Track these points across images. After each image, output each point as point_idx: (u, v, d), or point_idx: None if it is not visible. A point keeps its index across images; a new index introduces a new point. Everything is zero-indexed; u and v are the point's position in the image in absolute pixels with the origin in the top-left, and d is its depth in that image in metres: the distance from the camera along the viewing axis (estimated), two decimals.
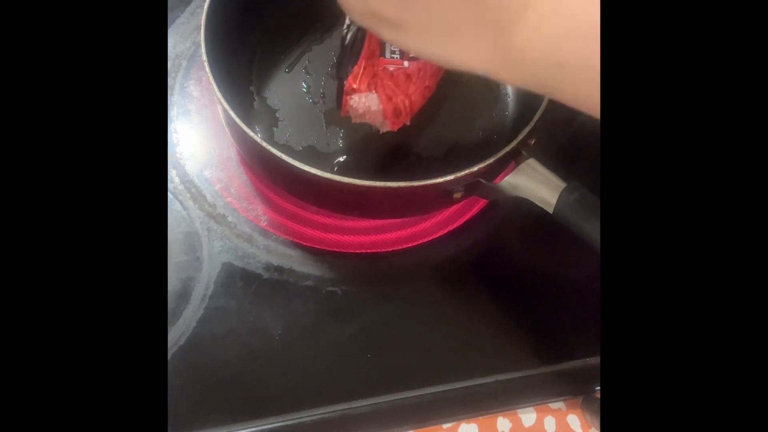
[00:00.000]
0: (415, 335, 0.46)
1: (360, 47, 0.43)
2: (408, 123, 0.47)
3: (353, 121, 0.48)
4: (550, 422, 0.45)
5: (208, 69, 0.44)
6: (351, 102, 0.46)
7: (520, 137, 0.43)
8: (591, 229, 0.39)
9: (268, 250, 0.48)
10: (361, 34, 0.44)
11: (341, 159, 0.50)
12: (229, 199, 0.50)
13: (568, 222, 0.41)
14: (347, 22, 0.45)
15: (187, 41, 0.58)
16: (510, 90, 0.55)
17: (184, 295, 0.46)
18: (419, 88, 0.46)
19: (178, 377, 0.42)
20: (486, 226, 0.51)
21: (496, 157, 0.42)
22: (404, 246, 0.49)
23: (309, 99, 0.53)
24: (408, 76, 0.45)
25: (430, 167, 0.50)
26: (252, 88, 0.53)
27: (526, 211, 0.49)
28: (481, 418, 0.44)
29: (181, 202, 0.49)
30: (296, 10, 0.56)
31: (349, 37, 0.44)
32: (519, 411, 0.45)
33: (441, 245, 0.50)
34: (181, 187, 0.50)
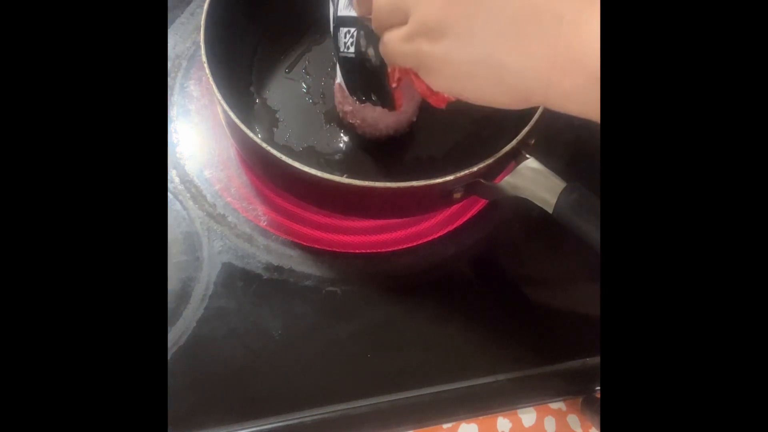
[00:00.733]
0: (415, 335, 0.46)
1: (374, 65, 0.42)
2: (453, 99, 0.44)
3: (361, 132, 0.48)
4: (550, 422, 0.45)
5: (207, 70, 0.44)
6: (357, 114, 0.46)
7: (520, 137, 0.43)
8: (591, 228, 0.39)
9: (268, 250, 0.48)
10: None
11: (341, 159, 0.51)
12: (229, 199, 0.50)
13: (568, 222, 0.41)
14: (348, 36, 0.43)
15: (187, 41, 0.58)
16: None
17: (184, 295, 0.46)
18: None
19: (178, 377, 0.42)
20: (486, 226, 0.51)
21: (496, 157, 0.42)
22: (404, 246, 0.49)
23: (309, 99, 0.53)
24: None
25: (430, 167, 0.50)
26: (252, 89, 0.54)
27: (525, 211, 0.49)
28: (481, 418, 0.44)
29: (181, 202, 0.49)
30: (296, 10, 0.56)
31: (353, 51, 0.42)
32: (519, 411, 0.45)
33: (441, 245, 0.50)
34: (181, 187, 0.50)
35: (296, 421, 0.42)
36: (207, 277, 0.46)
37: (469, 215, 0.51)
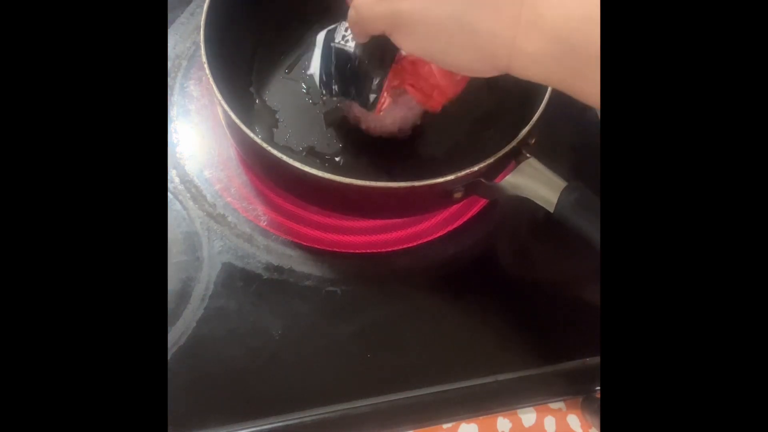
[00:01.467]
0: (415, 335, 0.46)
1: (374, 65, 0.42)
2: (451, 99, 0.44)
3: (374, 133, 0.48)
4: (550, 422, 0.45)
5: (207, 70, 0.44)
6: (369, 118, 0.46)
7: (520, 136, 0.43)
8: (592, 228, 0.39)
9: (268, 250, 0.48)
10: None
11: (342, 159, 0.50)
12: (229, 199, 0.50)
13: (569, 221, 0.41)
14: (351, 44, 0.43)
15: (187, 41, 0.58)
16: (510, 89, 0.55)
17: (184, 295, 0.46)
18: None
19: (178, 377, 0.42)
20: (486, 226, 0.51)
21: (497, 156, 0.42)
22: (404, 246, 0.49)
23: (309, 100, 0.53)
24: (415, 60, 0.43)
25: (431, 167, 0.50)
26: (252, 90, 0.53)
27: (525, 211, 0.49)
28: (481, 418, 0.44)
29: (181, 202, 0.49)
30: (295, 11, 0.56)
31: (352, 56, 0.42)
32: (519, 411, 0.45)
33: (441, 245, 0.50)
34: (181, 187, 0.50)
35: (296, 421, 0.42)
36: (207, 277, 0.46)
37: (469, 215, 0.51)
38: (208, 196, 0.50)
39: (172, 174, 0.51)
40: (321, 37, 0.44)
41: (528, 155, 0.44)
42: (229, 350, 0.44)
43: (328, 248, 0.49)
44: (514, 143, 0.43)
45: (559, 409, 0.45)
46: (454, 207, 0.51)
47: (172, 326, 0.44)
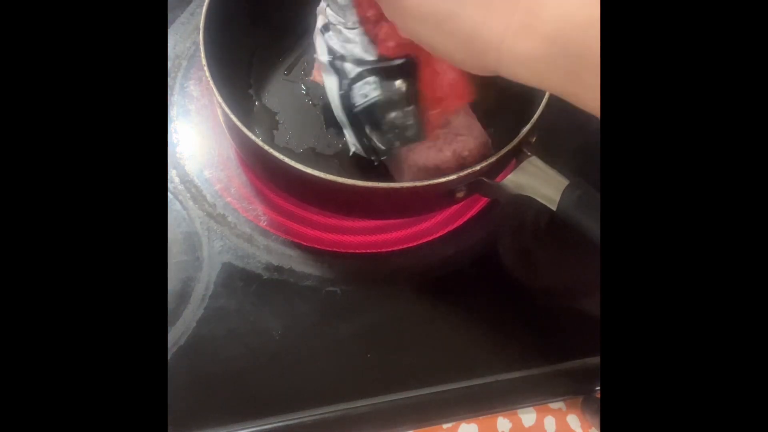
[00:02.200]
0: (415, 335, 0.46)
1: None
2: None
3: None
4: (550, 422, 0.45)
5: (207, 73, 0.44)
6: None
7: (522, 135, 0.43)
8: (594, 226, 0.39)
9: (268, 250, 0.48)
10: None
11: (342, 160, 0.50)
12: (229, 199, 0.50)
13: (571, 220, 0.41)
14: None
15: (187, 41, 0.58)
16: (510, 86, 0.55)
17: (184, 295, 0.46)
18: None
19: (178, 377, 0.42)
20: (486, 226, 0.51)
21: (498, 155, 0.42)
22: (404, 246, 0.49)
23: (308, 101, 0.53)
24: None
25: None
26: (251, 92, 0.53)
27: (525, 211, 0.49)
28: (481, 418, 0.44)
29: (181, 202, 0.49)
30: (295, 12, 0.56)
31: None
32: (519, 411, 0.45)
33: (441, 245, 0.50)
34: (181, 187, 0.50)
35: (296, 421, 0.42)
36: (207, 277, 0.46)
37: (469, 215, 0.51)
38: (208, 196, 0.50)
39: (172, 174, 0.51)
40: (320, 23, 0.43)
41: (529, 154, 0.44)
42: (229, 350, 0.44)
43: (328, 248, 0.49)
44: (515, 142, 0.43)
45: (559, 409, 0.45)
46: (454, 207, 0.51)
47: (172, 326, 0.44)
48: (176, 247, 0.47)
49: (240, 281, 0.47)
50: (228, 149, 0.52)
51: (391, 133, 0.41)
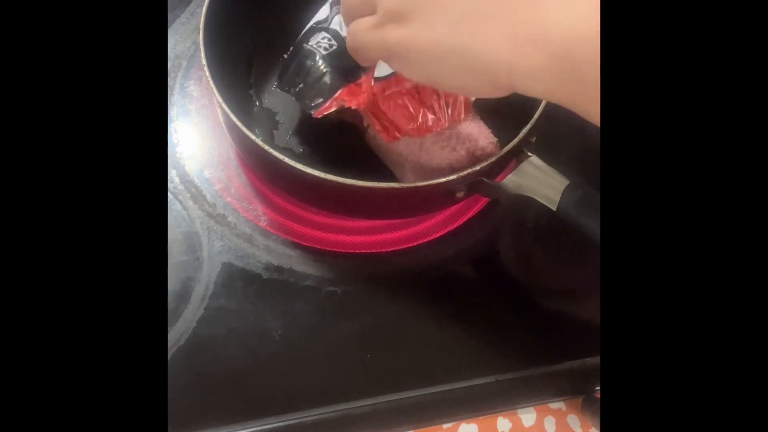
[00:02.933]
0: (415, 335, 0.46)
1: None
2: (412, 136, 0.46)
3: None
4: (550, 422, 0.45)
5: (207, 73, 0.44)
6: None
7: (521, 135, 0.43)
8: (595, 226, 0.39)
9: (268, 250, 0.48)
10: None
11: (342, 161, 0.50)
12: (229, 199, 0.50)
13: (572, 220, 0.41)
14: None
15: (187, 41, 0.58)
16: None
17: (184, 295, 0.46)
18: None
19: (178, 377, 0.42)
20: (486, 226, 0.51)
21: (498, 155, 0.42)
22: (404, 246, 0.49)
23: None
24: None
25: None
26: (251, 92, 0.53)
27: (525, 211, 0.49)
28: (481, 418, 0.44)
29: (181, 202, 0.49)
30: (294, 12, 0.56)
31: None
32: (519, 411, 0.45)
33: (441, 245, 0.50)
34: (181, 187, 0.50)
35: (296, 421, 0.42)
36: (207, 277, 0.46)
37: (469, 215, 0.51)
38: (208, 196, 0.50)
39: (172, 174, 0.51)
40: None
41: (529, 154, 0.44)
42: (229, 350, 0.44)
43: (328, 248, 0.49)
44: (515, 142, 0.43)
45: (559, 409, 0.45)
46: (454, 207, 0.51)
47: (172, 326, 0.44)
48: (176, 247, 0.47)
49: (240, 281, 0.47)
50: (228, 149, 0.52)
51: (300, 82, 0.43)
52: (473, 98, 0.47)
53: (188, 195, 0.50)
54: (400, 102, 0.45)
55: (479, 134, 0.46)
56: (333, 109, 0.43)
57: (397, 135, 0.46)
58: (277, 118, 0.52)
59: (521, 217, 0.51)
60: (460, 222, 0.51)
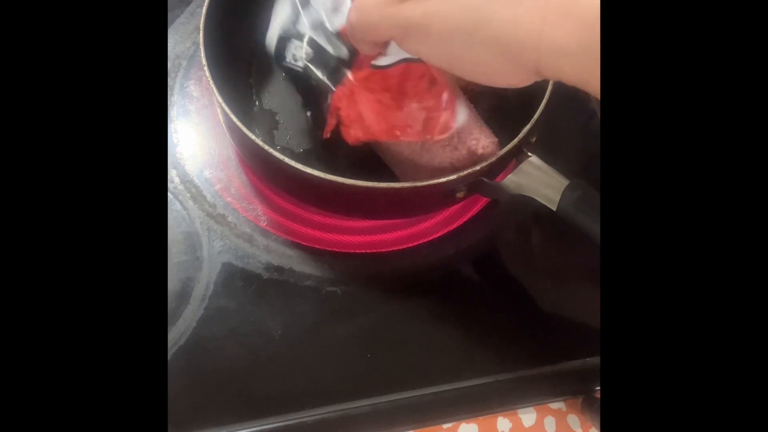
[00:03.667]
0: (415, 335, 0.46)
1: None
2: (369, 141, 0.44)
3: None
4: (550, 422, 0.45)
5: (207, 73, 0.44)
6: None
7: (522, 135, 0.43)
8: (595, 226, 0.39)
9: (268, 250, 0.48)
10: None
11: (342, 161, 0.50)
12: (229, 199, 0.50)
13: (572, 219, 0.41)
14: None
15: (187, 41, 0.58)
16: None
17: (184, 295, 0.46)
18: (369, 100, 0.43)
19: (178, 377, 0.42)
20: (486, 226, 0.51)
21: (498, 155, 0.42)
22: (404, 246, 0.49)
23: None
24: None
25: None
26: (251, 92, 0.53)
27: (525, 211, 0.49)
28: (481, 418, 0.44)
29: (181, 202, 0.49)
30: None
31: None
32: (519, 411, 0.45)
33: (441, 245, 0.50)
34: (181, 187, 0.50)
35: (296, 421, 0.42)
36: (207, 277, 0.46)
37: (469, 215, 0.51)
38: (208, 196, 0.50)
39: (172, 174, 0.51)
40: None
41: (529, 154, 0.44)
42: (229, 350, 0.44)
43: (328, 248, 0.49)
44: (515, 141, 0.43)
45: (559, 409, 0.45)
46: (455, 207, 0.51)
47: (172, 326, 0.44)
48: (176, 247, 0.47)
49: (240, 281, 0.47)
50: (228, 149, 0.52)
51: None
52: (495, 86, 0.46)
53: (188, 195, 0.50)
54: (376, 98, 0.43)
55: (480, 133, 0.46)
56: (335, 122, 0.43)
57: (359, 135, 0.43)
58: (277, 118, 0.52)
59: (521, 217, 0.51)
60: (460, 222, 0.51)
